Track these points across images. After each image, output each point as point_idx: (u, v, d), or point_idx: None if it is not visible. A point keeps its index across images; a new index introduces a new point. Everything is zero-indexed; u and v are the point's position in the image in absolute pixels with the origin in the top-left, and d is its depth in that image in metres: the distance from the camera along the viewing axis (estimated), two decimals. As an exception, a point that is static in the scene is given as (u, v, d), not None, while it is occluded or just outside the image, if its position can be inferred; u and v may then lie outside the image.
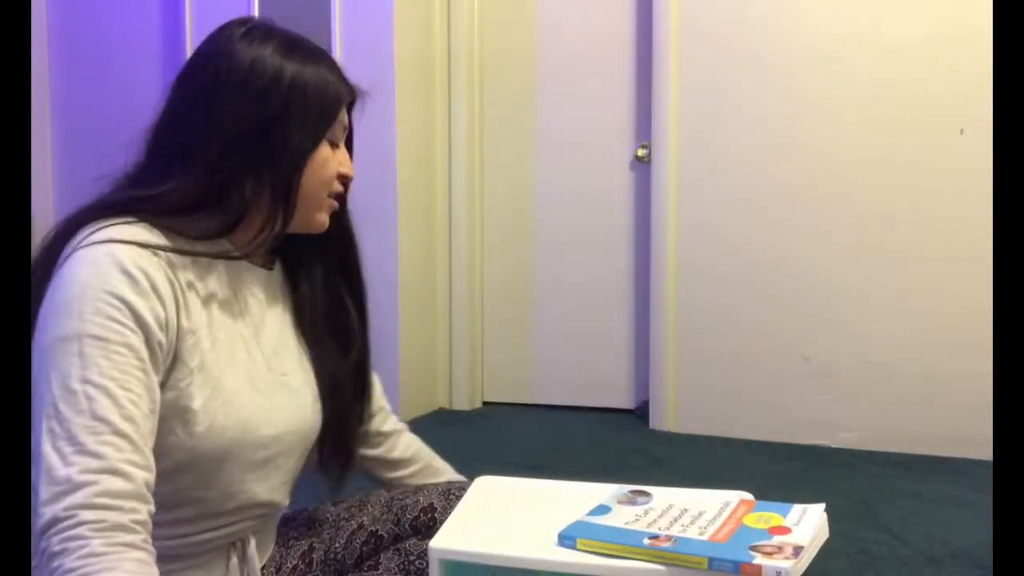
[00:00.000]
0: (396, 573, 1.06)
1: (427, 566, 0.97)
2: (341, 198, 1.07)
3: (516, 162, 3.41)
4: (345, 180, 1.06)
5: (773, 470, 2.64)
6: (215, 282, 0.97)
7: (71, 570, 0.74)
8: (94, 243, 0.87)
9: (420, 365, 3.31)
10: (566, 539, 0.91)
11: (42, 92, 3.47)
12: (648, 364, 3.19)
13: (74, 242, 0.88)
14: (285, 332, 1.06)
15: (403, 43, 3.10)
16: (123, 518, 0.77)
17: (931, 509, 2.28)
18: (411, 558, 1.07)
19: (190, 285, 0.93)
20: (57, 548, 0.75)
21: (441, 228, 3.41)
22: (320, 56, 1.03)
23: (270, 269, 1.07)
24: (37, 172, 3.39)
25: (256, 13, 3.09)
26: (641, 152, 3.21)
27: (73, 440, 0.78)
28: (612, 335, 3.33)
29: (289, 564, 1.09)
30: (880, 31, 2.83)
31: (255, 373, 0.99)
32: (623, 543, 0.88)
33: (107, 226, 0.89)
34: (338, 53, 3.02)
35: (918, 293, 2.82)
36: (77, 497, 0.76)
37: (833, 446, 2.90)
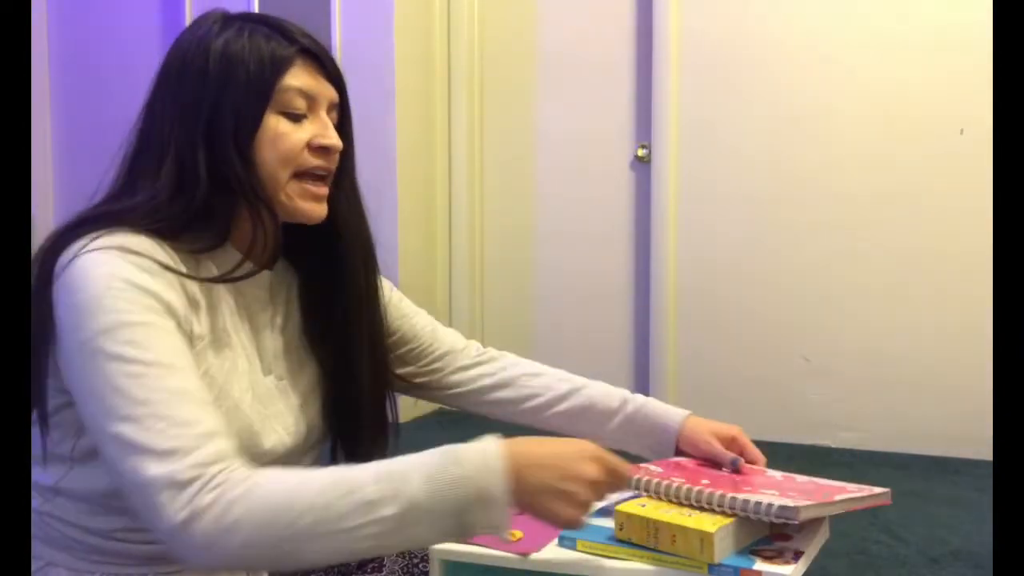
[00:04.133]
0: (399, 575, 1.06)
1: (428, 566, 0.97)
2: (324, 176, 0.96)
3: (516, 162, 3.41)
4: (322, 151, 0.95)
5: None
6: (218, 289, 0.94)
7: (236, 499, 0.75)
8: (103, 247, 0.84)
9: (420, 365, 3.30)
10: (566, 539, 0.91)
11: (42, 92, 3.47)
12: (648, 364, 3.19)
13: (74, 249, 0.84)
14: (288, 334, 1.03)
15: (403, 43, 3.10)
16: (241, 468, 0.78)
17: (931, 509, 2.28)
18: (415, 560, 1.06)
19: (196, 292, 0.90)
20: (207, 499, 0.74)
21: (441, 227, 3.41)
22: (260, 22, 0.95)
23: (271, 268, 1.02)
24: (37, 172, 3.38)
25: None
26: (641, 152, 3.21)
27: (162, 417, 0.77)
28: (612, 335, 3.33)
29: (290, 564, 1.09)
30: (880, 31, 2.82)
31: (257, 381, 0.96)
32: (623, 544, 0.88)
33: (111, 232, 0.86)
34: (338, 53, 3.01)
35: (918, 293, 2.82)
36: (194, 458, 0.76)
37: (833, 446, 2.90)
